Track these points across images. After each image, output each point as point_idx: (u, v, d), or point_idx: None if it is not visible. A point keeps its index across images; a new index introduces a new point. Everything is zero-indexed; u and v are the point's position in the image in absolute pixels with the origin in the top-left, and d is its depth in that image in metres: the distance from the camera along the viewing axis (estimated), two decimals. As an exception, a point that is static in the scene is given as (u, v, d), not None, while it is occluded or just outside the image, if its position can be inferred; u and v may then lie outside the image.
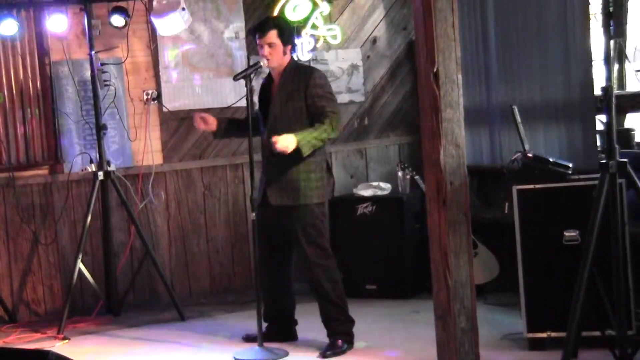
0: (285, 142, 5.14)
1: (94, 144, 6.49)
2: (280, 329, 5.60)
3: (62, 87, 6.64)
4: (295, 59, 5.79)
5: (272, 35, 5.30)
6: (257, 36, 5.38)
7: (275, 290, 5.55)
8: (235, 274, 7.15)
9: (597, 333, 4.68)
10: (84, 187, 6.64)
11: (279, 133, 5.23)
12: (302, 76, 5.32)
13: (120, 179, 6.58)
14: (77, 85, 6.65)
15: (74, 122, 6.67)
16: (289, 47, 5.39)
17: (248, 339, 5.54)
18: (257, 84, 6.84)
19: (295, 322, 5.64)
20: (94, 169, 6.39)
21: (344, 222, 6.67)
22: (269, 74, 5.52)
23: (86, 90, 6.63)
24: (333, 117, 5.24)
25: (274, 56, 5.32)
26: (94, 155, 6.48)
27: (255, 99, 5.72)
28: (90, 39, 6.41)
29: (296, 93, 5.29)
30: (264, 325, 5.52)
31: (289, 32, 5.44)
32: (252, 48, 6.99)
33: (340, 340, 5.31)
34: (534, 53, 6.55)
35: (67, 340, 5.93)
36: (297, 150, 5.16)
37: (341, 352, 5.26)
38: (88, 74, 6.50)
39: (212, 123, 5.59)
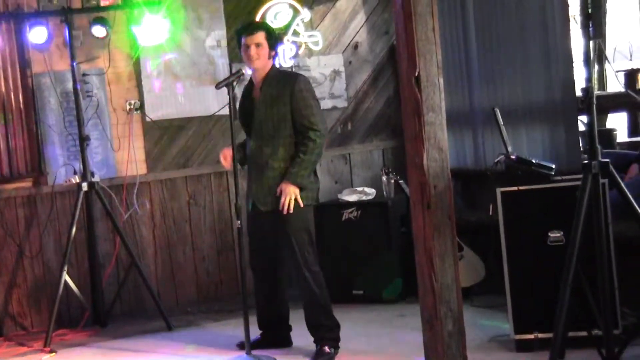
0: (291, 195, 5.22)
1: (78, 155, 6.47)
2: (274, 336, 5.60)
3: (45, 98, 6.62)
4: (277, 66, 5.80)
5: (261, 36, 5.30)
6: (243, 37, 5.34)
7: (269, 297, 5.55)
8: (221, 282, 7.14)
9: (584, 333, 4.70)
10: (68, 199, 6.62)
11: (264, 138, 5.31)
12: (286, 81, 5.32)
13: (105, 189, 6.56)
14: (60, 96, 6.64)
15: (57, 134, 6.65)
16: (273, 52, 5.40)
17: (242, 345, 5.52)
18: (239, 92, 6.85)
19: (289, 328, 5.64)
20: (77, 180, 6.37)
21: (330, 228, 6.66)
22: (250, 82, 5.50)
23: (68, 102, 6.61)
24: (317, 130, 5.24)
25: (260, 57, 5.30)
26: (78, 166, 6.46)
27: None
28: (72, 50, 6.39)
29: (281, 98, 5.28)
30: (258, 332, 5.56)
31: (275, 37, 5.45)
32: (234, 56, 6.99)
33: (327, 346, 5.30)
34: (515, 55, 6.58)
35: (54, 353, 5.90)
36: (280, 157, 5.26)
37: (329, 358, 5.27)
38: (70, 85, 6.46)
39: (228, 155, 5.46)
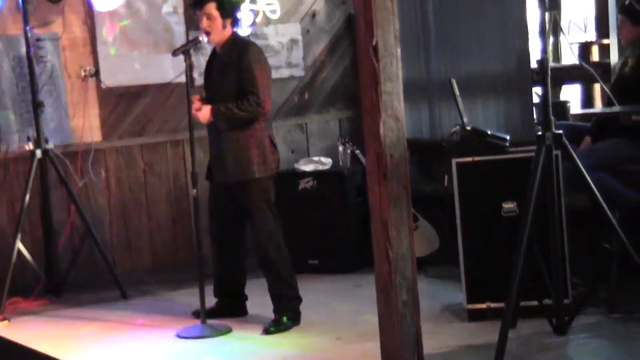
0: (204, 114, 5.24)
1: (31, 121, 6.38)
2: (230, 305, 5.61)
3: (-3, 64, 6.52)
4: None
5: (211, 7, 5.26)
6: (196, 9, 5.35)
7: (227, 265, 5.55)
8: (177, 251, 7.12)
9: (535, 303, 4.77)
10: (22, 166, 6.52)
11: None
12: (237, 49, 5.29)
13: (59, 156, 6.49)
14: (12, 61, 6.53)
15: (9, 100, 6.56)
16: (229, 20, 5.34)
17: (197, 314, 5.52)
18: (196, 59, 6.80)
19: (245, 298, 5.64)
20: (31, 147, 6.29)
21: (286, 197, 6.65)
22: (214, 49, 5.48)
23: (22, 67, 6.49)
24: (258, 99, 5.17)
25: (213, 29, 5.28)
26: (32, 133, 6.37)
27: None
28: (25, 14, 6.28)
29: (231, 67, 5.26)
30: (214, 301, 5.56)
31: (229, 6, 5.36)
32: (192, 23, 6.93)
33: (285, 317, 5.31)
34: (471, 26, 6.60)
35: (7, 322, 5.86)
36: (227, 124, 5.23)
37: (285, 328, 5.27)
38: (23, 50, 6.35)
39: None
